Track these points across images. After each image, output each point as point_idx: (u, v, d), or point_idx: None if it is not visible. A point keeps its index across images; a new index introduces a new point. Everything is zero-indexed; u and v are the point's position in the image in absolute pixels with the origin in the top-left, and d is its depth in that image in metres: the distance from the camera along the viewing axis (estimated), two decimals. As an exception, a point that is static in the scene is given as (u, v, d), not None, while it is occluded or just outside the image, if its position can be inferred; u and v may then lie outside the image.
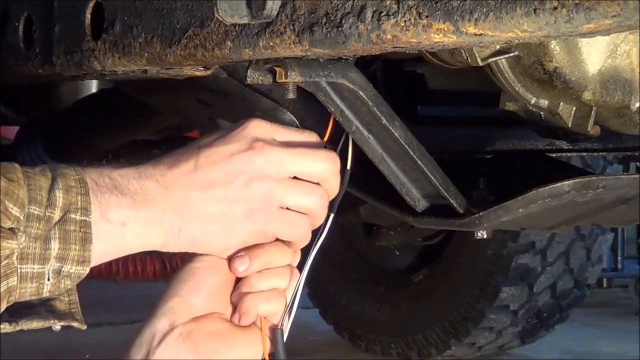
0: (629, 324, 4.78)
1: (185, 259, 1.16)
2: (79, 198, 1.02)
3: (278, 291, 1.13)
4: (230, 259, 1.12)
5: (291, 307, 1.13)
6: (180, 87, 1.68)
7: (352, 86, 1.48)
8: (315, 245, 1.16)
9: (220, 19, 1.23)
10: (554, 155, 2.24)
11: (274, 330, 1.12)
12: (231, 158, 1.10)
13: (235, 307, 1.13)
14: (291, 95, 1.40)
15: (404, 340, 3.63)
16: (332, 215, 1.17)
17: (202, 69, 1.48)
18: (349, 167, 1.22)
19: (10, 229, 0.98)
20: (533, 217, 1.78)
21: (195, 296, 1.12)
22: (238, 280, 1.14)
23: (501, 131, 2.24)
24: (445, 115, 2.39)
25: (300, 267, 1.16)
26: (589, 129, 1.65)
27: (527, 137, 2.21)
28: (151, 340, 1.10)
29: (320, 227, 1.16)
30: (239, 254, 1.12)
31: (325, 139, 1.23)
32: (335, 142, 1.26)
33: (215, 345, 1.10)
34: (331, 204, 1.17)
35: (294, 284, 1.14)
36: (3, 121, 3.42)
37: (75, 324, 1.07)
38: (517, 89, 1.64)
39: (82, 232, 1.02)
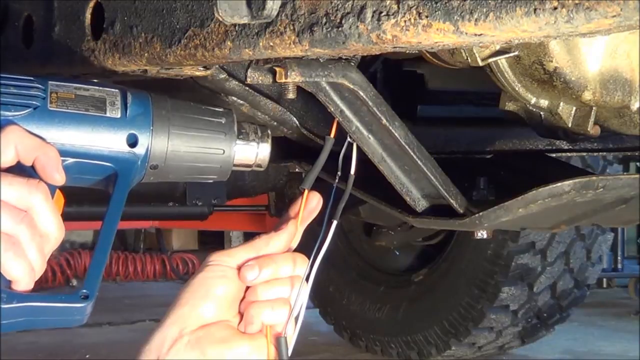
0: (629, 324, 4.78)
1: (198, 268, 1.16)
2: None
3: (283, 300, 1.13)
4: (240, 268, 1.13)
5: (297, 317, 1.14)
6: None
7: (352, 86, 1.48)
8: (319, 254, 1.16)
9: (220, 19, 1.23)
10: (554, 155, 2.24)
11: (278, 338, 1.12)
12: None
13: (242, 315, 1.14)
14: (291, 95, 1.40)
15: (404, 340, 3.63)
16: (335, 223, 1.16)
17: (202, 69, 1.48)
18: (352, 172, 1.21)
19: None
20: (533, 217, 1.78)
21: (205, 305, 1.12)
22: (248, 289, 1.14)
23: (501, 131, 2.24)
24: (445, 115, 2.39)
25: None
26: (589, 129, 1.65)
27: (527, 137, 2.21)
28: (160, 346, 1.11)
29: (323, 233, 1.16)
30: (249, 263, 1.13)
31: (332, 135, 1.22)
32: (338, 143, 1.25)
33: (222, 352, 1.11)
34: (335, 210, 1.17)
35: (296, 291, 1.14)
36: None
37: None
38: (517, 89, 1.64)
39: None
